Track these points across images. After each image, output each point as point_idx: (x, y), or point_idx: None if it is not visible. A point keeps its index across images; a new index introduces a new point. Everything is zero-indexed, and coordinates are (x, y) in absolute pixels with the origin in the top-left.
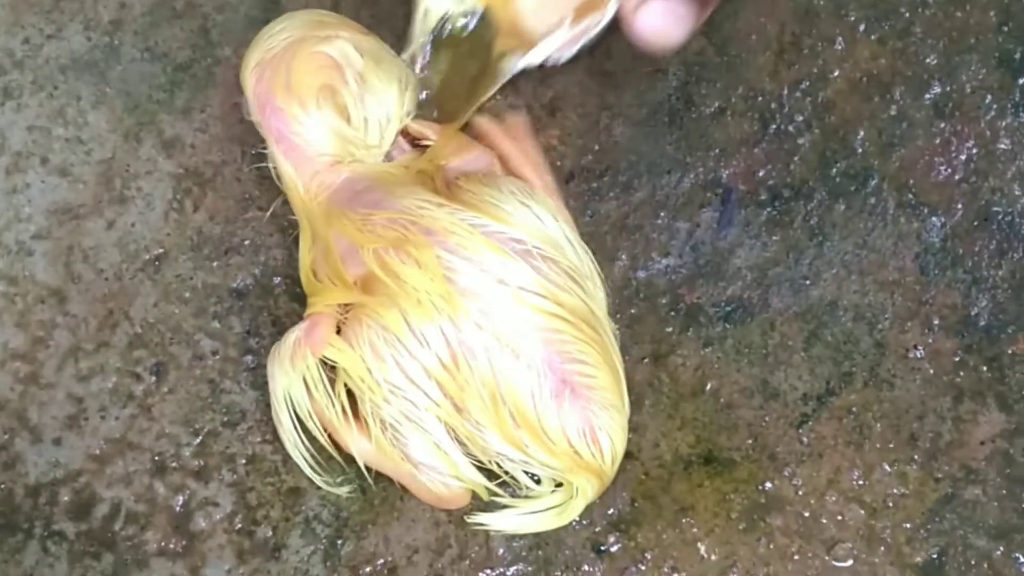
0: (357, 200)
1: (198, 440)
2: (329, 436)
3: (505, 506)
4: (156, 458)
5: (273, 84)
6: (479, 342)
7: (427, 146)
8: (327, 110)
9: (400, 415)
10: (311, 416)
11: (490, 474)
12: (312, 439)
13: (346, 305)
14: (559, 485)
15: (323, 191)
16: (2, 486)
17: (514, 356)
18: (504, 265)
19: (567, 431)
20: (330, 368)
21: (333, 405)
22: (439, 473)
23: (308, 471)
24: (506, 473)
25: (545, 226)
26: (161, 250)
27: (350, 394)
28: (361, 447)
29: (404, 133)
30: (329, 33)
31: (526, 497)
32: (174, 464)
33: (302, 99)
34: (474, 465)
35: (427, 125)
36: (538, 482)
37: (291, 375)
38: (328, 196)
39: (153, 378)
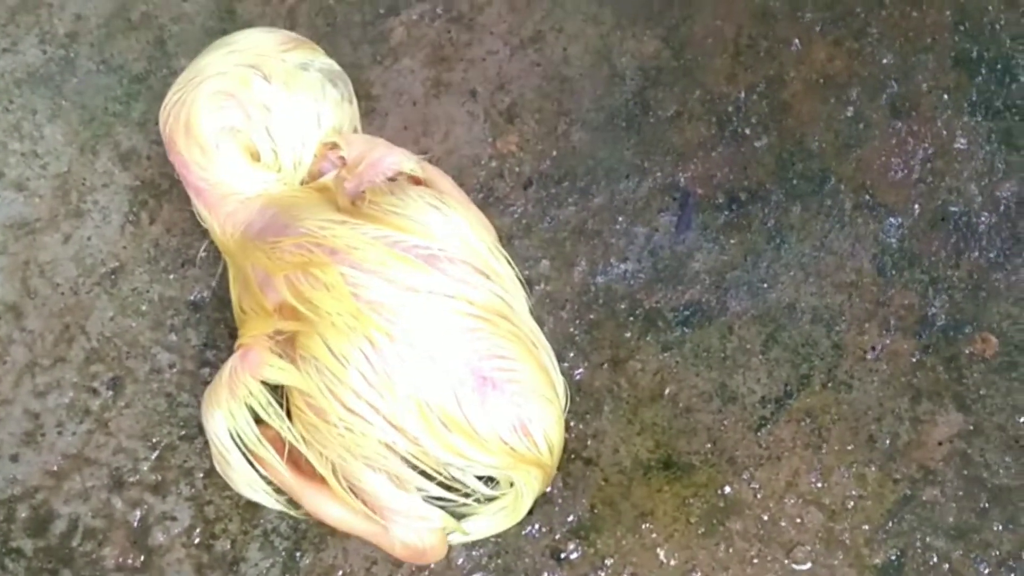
0: (267, 229)
1: (156, 454)
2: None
3: (461, 516)
4: (114, 473)
5: (175, 130)
6: (395, 353)
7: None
8: (230, 151)
9: (344, 450)
10: (261, 443)
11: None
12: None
13: (276, 333)
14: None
15: (238, 227)
16: None
17: (431, 361)
18: (409, 272)
19: (497, 427)
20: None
21: (285, 426)
22: (408, 517)
23: (272, 504)
24: (454, 482)
25: (452, 227)
26: (118, 263)
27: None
28: (331, 512)
29: (332, 147)
30: (239, 62)
31: (475, 502)
32: (132, 479)
33: (202, 144)
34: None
35: (349, 138)
36: (495, 484)
37: (233, 404)
38: (242, 229)
39: (110, 392)
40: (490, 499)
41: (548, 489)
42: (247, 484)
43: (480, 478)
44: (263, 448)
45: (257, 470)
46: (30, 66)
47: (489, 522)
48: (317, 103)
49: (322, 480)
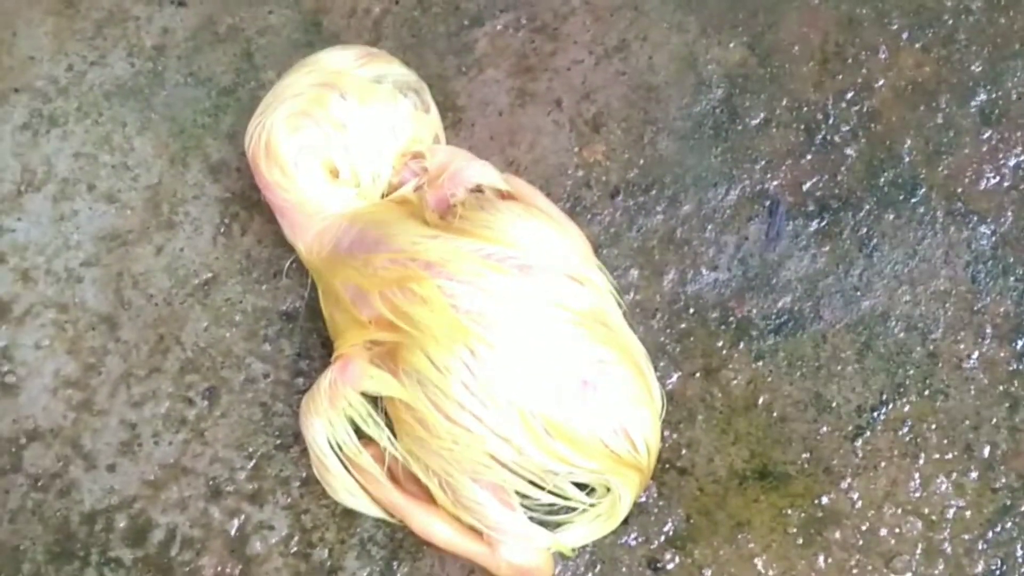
0: (356, 245)
1: (252, 463)
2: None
3: (558, 524)
4: (211, 482)
5: (256, 154)
6: (496, 362)
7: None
8: (309, 171)
9: (449, 463)
10: (362, 454)
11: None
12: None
13: (373, 344)
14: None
15: (325, 247)
16: (58, 513)
17: (532, 367)
18: (505, 282)
19: (598, 431)
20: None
21: (386, 439)
22: (514, 537)
23: (371, 511)
24: (554, 493)
25: (543, 238)
26: (210, 274)
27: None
28: (436, 530)
29: (414, 156)
30: (314, 82)
31: (572, 511)
32: (229, 488)
33: (282, 165)
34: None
35: (431, 149)
36: (591, 492)
37: (332, 414)
38: (330, 248)
39: (205, 402)
40: (587, 507)
41: (643, 498)
42: (346, 490)
43: (576, 485)
44: (365, 460)
45: (356, 478)
46: (118, 79)
47: (587, 530)
48: (392, 115)
49: (425, 498)
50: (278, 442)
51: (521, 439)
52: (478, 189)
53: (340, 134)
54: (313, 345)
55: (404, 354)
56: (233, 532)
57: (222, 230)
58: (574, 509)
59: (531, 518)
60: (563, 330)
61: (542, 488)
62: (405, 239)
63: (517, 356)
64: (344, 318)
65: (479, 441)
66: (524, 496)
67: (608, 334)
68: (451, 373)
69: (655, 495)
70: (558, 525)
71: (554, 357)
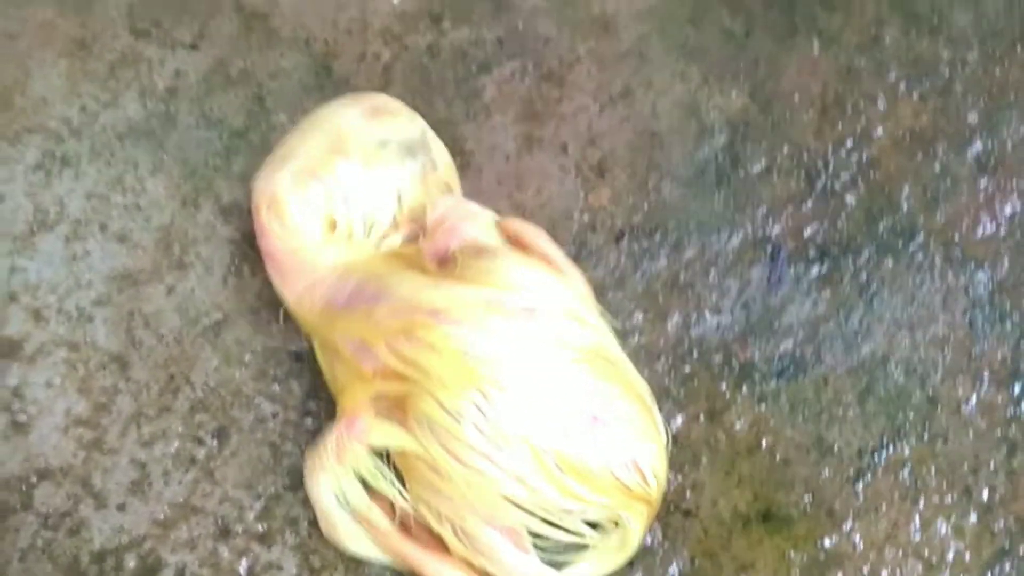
0: (355, 299)
1: (261, 503)
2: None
3: (565, 562)
4: (220, 522)
5: (260, 202)
6: (507, 403)
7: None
8: (309, 225)
9: (462, 508)
10: (371, 509)
11: None
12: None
13: (378, 397)
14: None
15: (317, 302)
16: (68, 552)
17: (542, 406)
18: (510, 325)
19: (609, 465)
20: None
21: (396, 490)
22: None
23: (381, 559)
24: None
25: (543, 283)
26: (221, 315)
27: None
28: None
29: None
30: (322, 143)
31: (583, 548)
32: (238, 527)
33: (282, 217)
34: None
35: (434, 203)
36: (597, 529)
37: (339, 470)
38: (323, 304)
39: (215, 442)
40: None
41: (648, 541)
42: (354, 542)
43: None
44: (375, 514)
45: (365, 531)
46: (131, 120)
47: (599, 565)
48: (396, 180)
49: (437, 547)
50: (287, 482)
51: (535, 478)
52: None
53: (342, 193)
54: (322, 385)
55: (413, 402)
56: (242, 572)
57: (232, 271)
58: (584, 547)
59: (541, 558)
60: (569, 368)
61: (556, 527)
62: (407, 289)
63: (527, 396)
64: (345, 372)
65: (493, 483)
66: (536, 536)
67: (613, 370)
68: (463, 417)
69: (660, 537)
70: (565, 564)
71: (562, 395)
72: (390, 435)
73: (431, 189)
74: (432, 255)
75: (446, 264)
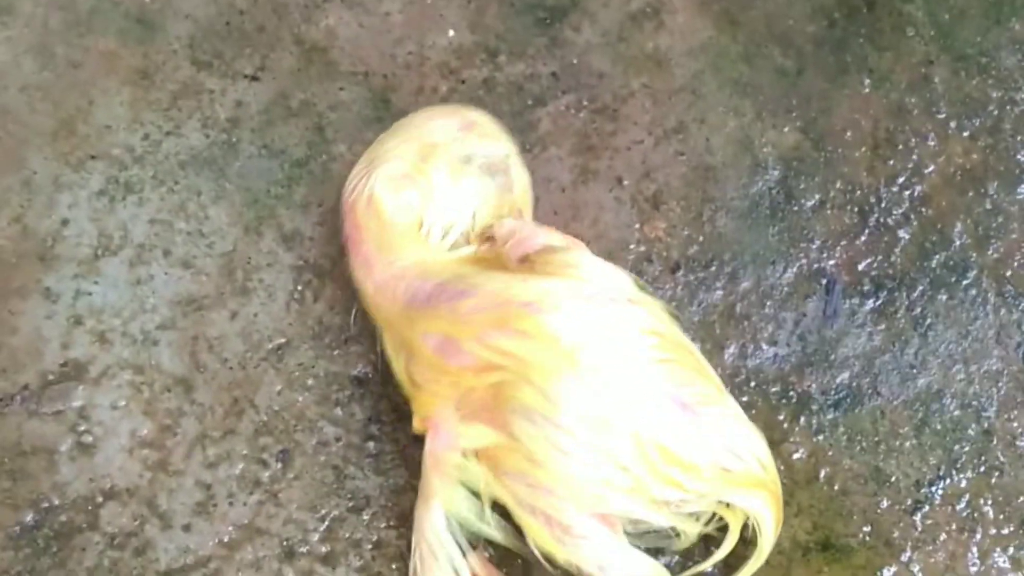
0: (436, 297)
1: (325, 525)
2: None
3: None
4: (284, 543)
5: (358, 201)
6: (605, 389)
7: None
8: (404, 224)
9: (561, 499)
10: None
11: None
12: None
13: (464, 395)
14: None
15: (399, 299)
16: (134, 572)
17: (638, 393)
18: (600, 313)
19: (709, 451)
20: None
21: (497, 487)
22: (623, 568)
23: None
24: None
25: (615, 273)
26: (283, 339)
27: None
28: None
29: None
30: (416, 150)
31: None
32: (302, 549)
33: (380, 215)
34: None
35: (500, 221)
36: (677, 535)
37: (447, 489)
38: (405, 301)
39: (279, 464)
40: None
41: (710, 571)
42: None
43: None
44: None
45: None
46: (193, 149)
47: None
48: (475, 195)
49: None
50: (350, 504)
51: (636, 466)
52: None
53: (431, 198)
54: (384, 410)
55: (508, 392)
56: None
57: (295, 296)
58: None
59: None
60: (658, 355)
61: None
62: (496, 284)
63: (623, 382)
64: (425, 371)
65: (592, 470)
66: (636, 528)
67: (696, 359)
68: (563, 401)
69: (721, 566)
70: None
71: (654, 383)
72: (480, 435)
73: (503, 210)
74: (515, 257)
75: (526, 263)
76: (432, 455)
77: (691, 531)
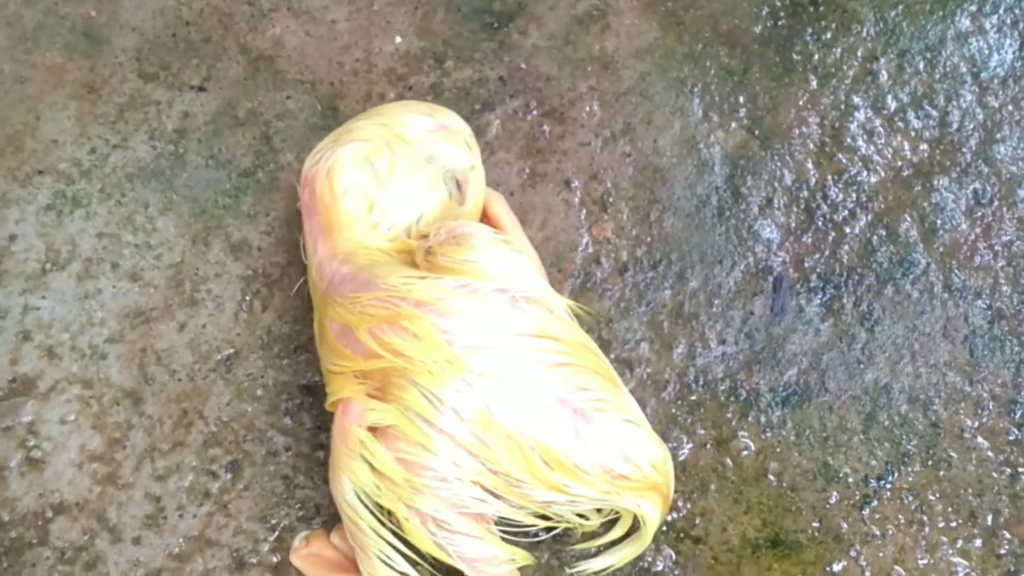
0: (346, 284)
1: (275, 535)
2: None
3: (578, 554)
4: (235, 554)
5: (317, 172)
6: (491, 394)
7: None
8: (353, 200)
9: (440, 500)
10: (382, 491)
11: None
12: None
13: (364, 377)
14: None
15: (325, 277)
16: None
17: (526, 399)
18: (493, 316)
19: (596, 457)
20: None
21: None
22: (491, 566)
23: (411, 573)
24: (552, 519)
25: (523, 268)
26: (232, 350)
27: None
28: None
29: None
30: (383, 135)
31: (592, 536)
32: (252, 560)
33: (333, 188)
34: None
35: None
36: (586, 518)
37: (353, 463)
38: (327, 283)
39: (229, 475)
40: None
41: (659, 566)
42: (379, 552)
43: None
44: (393, 501)
45: (389, 541)
46: (140, 161)
47: (615, 555)
48: (424, 197)
49: None
50: (300, 514)
51: (519, 471)
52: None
53: (385, 187)
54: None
55: (395, 391)
56: None
57: (243, 307)
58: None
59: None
60: (552, 359)
61: (541, 517)
62: (395, 280)
63: (511, 387)
64: (328, 354)
65: (470, 475)
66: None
67: (596, 361)
68: (443, 404)
69: (671, 563)
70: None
71: (545, 387)
72: (384, 413)
73: (449, 219)
74: (421, 250)
75: (430, 257)
76: (339, 429)
77: (588, 522)
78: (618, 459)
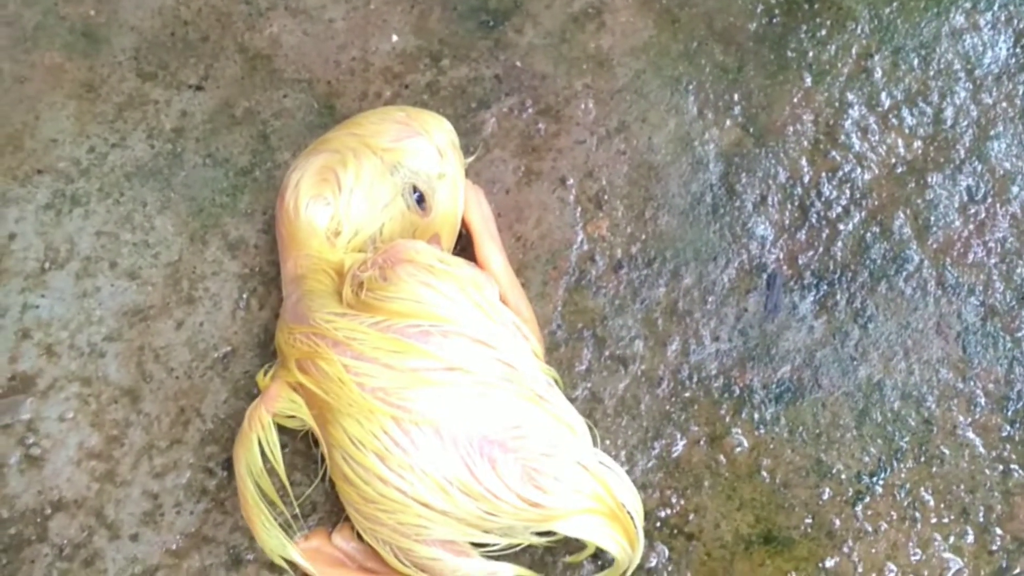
0: (290, 313)
1: None
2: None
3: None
4: (231, 551)
5: (288, 184)
6: (404, 435)
7: None
8: (314, 213)
9: (391, 531)
10: (264, 477)
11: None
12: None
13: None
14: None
15: (286, 296)
16: None
17: (439, 436)
18: (405, 354)
19: (515, 488)
20: None
21: (282, 467)
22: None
23: (299, 560)
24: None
25: (444, 299)
26: (229, 348)
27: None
28: None
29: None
30: (351, 146)
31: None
32: (248, 556)
33: (296, 201)
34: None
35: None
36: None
37: (248, 438)
38: (284, 305)
39: (225, 472)
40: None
41: (652, 563)
42: (264, 526)
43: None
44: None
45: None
46: (139, 160)
47: None
48: (386, 207)
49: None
50: (296, 511)
51: (444, 506)
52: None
53: (349, 199)
54: None
55: (330, 429)
56: None
57: (241, 305)
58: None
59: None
60: (466, 393)
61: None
62: (319, 316)
63: (424, 426)
64: (278, 368)
65: (405, 509)
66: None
67: (515, 391)
68: (365, 447)
69: (664, 559)
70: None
71: (459, 422)
72: (293, 404)
73: (412, 230)
74: (352, 283)
75: (359, 291)
76: (254, 407)
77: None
78: (531, 488)
